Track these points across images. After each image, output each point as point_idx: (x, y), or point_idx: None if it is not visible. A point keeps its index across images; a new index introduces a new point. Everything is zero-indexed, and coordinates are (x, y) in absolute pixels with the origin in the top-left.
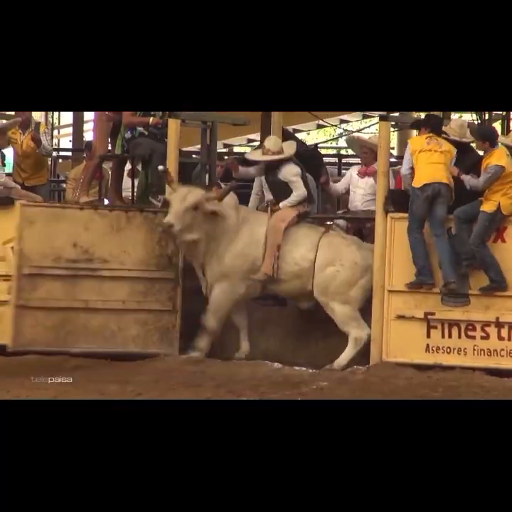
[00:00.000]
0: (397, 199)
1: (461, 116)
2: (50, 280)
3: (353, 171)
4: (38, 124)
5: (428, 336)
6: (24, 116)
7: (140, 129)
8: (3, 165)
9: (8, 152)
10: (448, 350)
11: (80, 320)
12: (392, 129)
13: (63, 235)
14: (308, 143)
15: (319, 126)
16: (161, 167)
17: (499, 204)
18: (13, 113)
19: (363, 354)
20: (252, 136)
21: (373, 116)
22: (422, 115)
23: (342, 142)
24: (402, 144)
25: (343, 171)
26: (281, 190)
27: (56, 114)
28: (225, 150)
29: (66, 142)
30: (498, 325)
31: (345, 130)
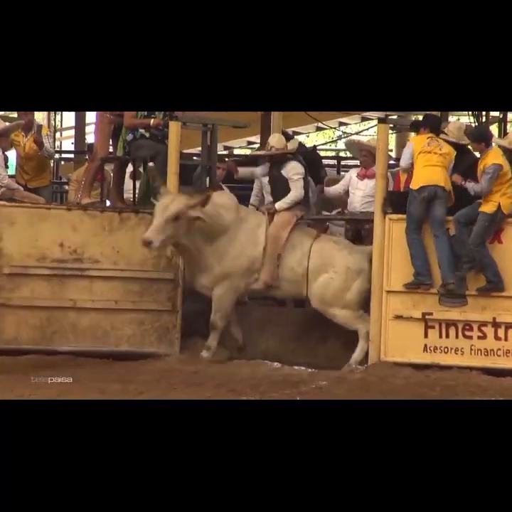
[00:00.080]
0: (395, 201)
1: (458, 119)
2: (34, 279)
3: (353, 173)
4: (40, 126)
5: (426, 335)
6: (27, 118)
7: (141, 130)
8: (6, 167)
9: (11, 154)
10: (445, 349)
11: (68, 319)
12: (390, 132)
13: (48, 235)
14: (307, 145)
15: (318, 129)
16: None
17: (499, 204)
18: (15, 115)
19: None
20: (252, 139)
21: (372, 119)
22: (420, 117)
23: (341, 144)
24: (401, 146)
25: (342, 173)
26: (282, 187)
27: (58, 116)
28: (225, 152)
29: (68, 144)
30: (495, 325)
31: (344, 132)
